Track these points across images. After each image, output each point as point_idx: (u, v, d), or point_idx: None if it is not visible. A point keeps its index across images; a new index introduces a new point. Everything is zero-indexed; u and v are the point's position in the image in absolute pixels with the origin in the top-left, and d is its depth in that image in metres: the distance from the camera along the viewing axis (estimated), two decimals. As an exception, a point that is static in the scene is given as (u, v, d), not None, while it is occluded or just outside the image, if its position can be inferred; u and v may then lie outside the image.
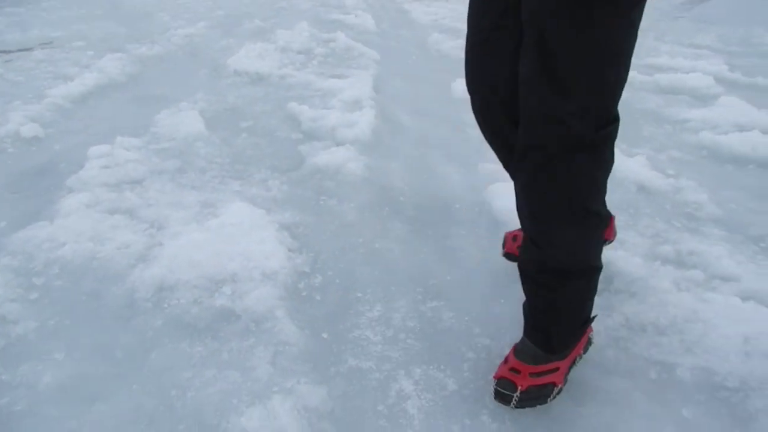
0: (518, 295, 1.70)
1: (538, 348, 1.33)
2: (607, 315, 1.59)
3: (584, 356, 1.44)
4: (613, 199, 2.21)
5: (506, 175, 2.41)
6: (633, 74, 3.72)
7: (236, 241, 1.90)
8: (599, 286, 1.70)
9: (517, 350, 1.36)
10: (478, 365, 1.45)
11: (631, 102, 3.32)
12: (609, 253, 1.82)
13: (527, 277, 1.35)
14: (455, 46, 4.53)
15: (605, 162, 1.18)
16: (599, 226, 1.27)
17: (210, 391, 1.37)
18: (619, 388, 1.38)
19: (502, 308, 1.66)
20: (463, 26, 4.89)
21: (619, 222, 2.08)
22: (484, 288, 1.75)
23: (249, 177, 2.48)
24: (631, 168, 2.42)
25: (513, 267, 1.82)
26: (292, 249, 1.93)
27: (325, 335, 1.56)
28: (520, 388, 1.29)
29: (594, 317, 1.40)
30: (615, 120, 1.15)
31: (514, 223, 2.04)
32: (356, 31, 5.14)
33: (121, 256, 1.89)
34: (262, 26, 5.37)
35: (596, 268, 1.33)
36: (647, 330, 1.53)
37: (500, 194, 2.21)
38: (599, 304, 1.64)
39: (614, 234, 1.84)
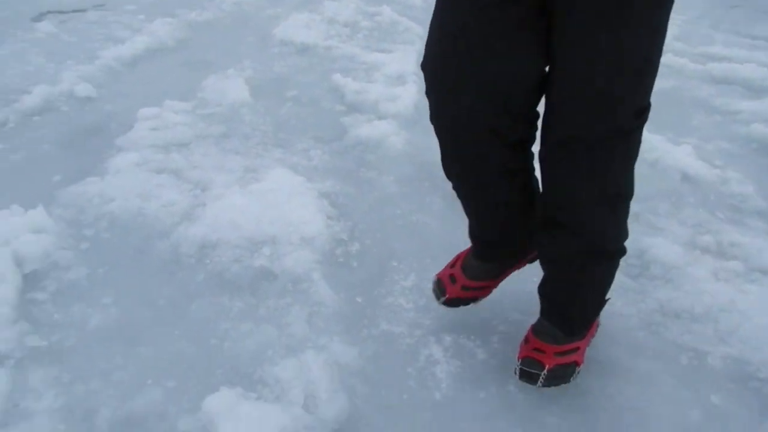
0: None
1: (558, 329, 1.33)
2: (641, 300, 1.59)
3: (613, 337, 1.45)
4: (656, 187, 2.19)
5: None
6: (685, 61, 3.60)
7: (277, 206, 1.94)
8: (635, 271, 1.71)
9: (537, 331, 1.35)
10: (508, 338, 1.47)
11: (681, 90, 3.24)
12: (648, 240, 1.81)
13: (551, 261, 1.33)
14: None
15: (638, 146, 1.21)
16: (628, 208, 1.29)
17: (247, 342, 1.43)
18: (647, 369, 1.38)
19: (535, 286, 1.66)
20: None
21: (661, 210, 2.06)
22: (518, 265, 1.76)
23: (291, 146, 2.52)
24: (676, 156, 2.37)
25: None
26: (331, 216, 1.97)
27: (359, 300, 1.60)
28: (547, 366, 1.29)
29: (608, 299, 1.39)
30: (649, 106, 1.17)
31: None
32: (403, 5, 5.10)
33: (166, 213, 1.95)
34: (310, -3, 5.37)
35: (623, 249, 1.33)
36: (681, 317, 1.53)
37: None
38: (634, 288, 1.64)
39: None
